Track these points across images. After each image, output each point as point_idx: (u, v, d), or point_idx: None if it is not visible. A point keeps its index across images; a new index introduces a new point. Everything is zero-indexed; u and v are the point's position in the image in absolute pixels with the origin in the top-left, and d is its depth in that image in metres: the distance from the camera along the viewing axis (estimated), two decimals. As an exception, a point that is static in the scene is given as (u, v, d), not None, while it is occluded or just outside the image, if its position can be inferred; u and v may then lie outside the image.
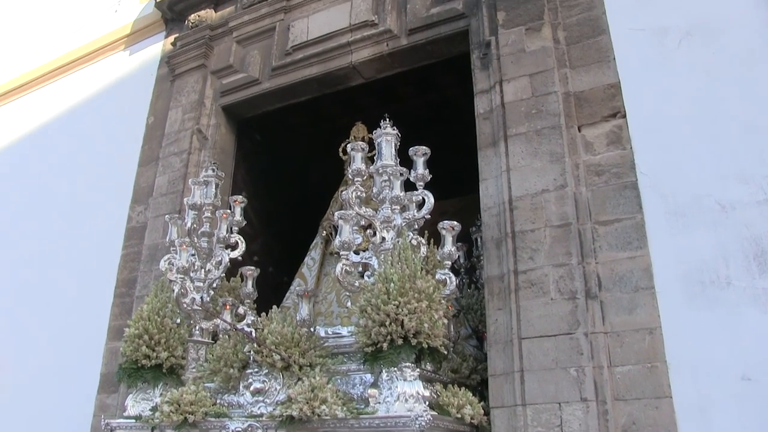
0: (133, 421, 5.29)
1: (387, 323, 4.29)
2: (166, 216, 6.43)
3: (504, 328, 4.87)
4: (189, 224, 5.93)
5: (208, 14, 8.37)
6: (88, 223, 8.17)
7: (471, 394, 4.72)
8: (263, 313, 5.35)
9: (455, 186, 8.12)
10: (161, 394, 5.29)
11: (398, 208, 5.15)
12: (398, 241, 4.85)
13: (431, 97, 8.23)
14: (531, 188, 5.09)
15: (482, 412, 4.65)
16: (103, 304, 7.29)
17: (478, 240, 6.82)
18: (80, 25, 10.17)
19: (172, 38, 8.61)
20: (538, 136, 5.22)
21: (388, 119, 5.39)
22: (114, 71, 9.40)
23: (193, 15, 8.44)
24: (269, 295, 6.71)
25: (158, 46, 8.97)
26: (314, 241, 7.16)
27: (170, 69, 8.37)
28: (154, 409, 5.14)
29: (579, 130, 5.20)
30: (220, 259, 5.99)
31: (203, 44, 8.12)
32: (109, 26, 9.78)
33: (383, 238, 5.05)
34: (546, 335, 4.60)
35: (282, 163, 8.65)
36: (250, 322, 5.67)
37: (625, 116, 5.09)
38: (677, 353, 4.26)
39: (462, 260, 6.93)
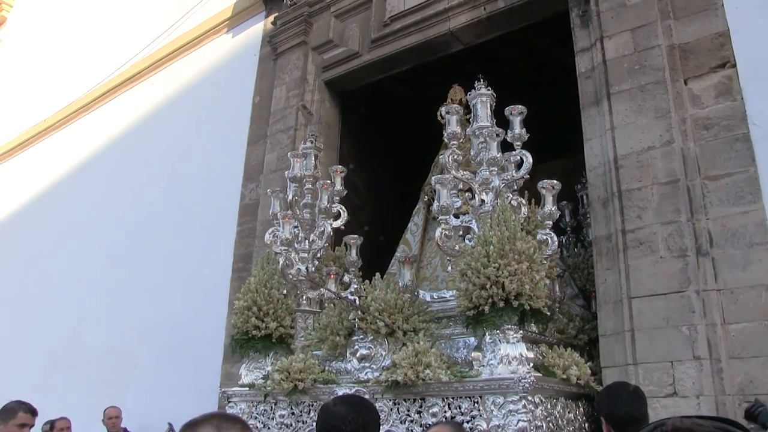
0: (247, 389, 5.45)
1: (488, 286, 4.22)
2: (268, 190, 6.55)
3: (613, 287, 4.82)
4: (291, 197, 6.03)
5: (305, -9, 8.48)
6: (204, 202, 8.57)
7: (578, 355, 4.64)
8: (366, 281, 5.39)
9: (563, 146, 8.00)
10: (272, 363, 5.41)
11: (496, 169, 5.05)
12: (497, 203, 4.79)
13: (533, 59, 8.09)
14: (636, 146, 4.98)
15: (589, 372, 4.56)
16: (223, 279, 7.64)
17: (584, 198, 6.72)
18: (184, 12, 10.49)
19: (272, 18, 8.77)
20: (642, 93, 5.08)
21: (482, 80, 5.29)
22: (218, 54, 9.70)
23: (291, -7, 8.56)
24: (382, 264, 6.78)
25: (259, 27, 9.17)
26: (417, 207, 7.14)
27: (272, 48, 8.54)
28: (265, 377, 5.29)
29: (685, 84, 5.03)
30: (322, 229, 6.08)
31: (302, 21, 8.24)
32: (211, 11, 10.06)
33: (482, 201, 4.98)
34: (656, 294, 4.53)
35: (387, 133, 8.71)
36: (354, 290, 5.71)
37: (735, 66, 4.87)
38: (796, 309, 4.12)
39: (568, 219, 6.85)
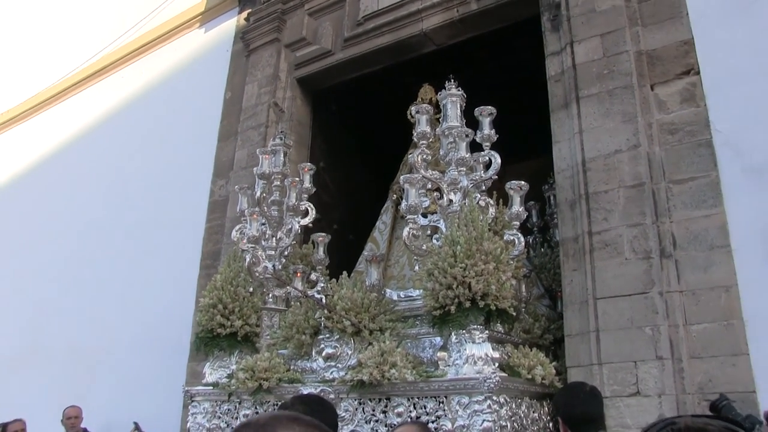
0: (211, 388, 5.39)
1: (454, 286, 4.23)
2: (236, 187, 6.53)
3: (579, 288, 4.91)
4: (258, 194, 6.03)
5: (279, -12, 8.48)
6: (173, 198, 8.53)
7: (543, 355, 4.67)
8: (333, 280, 5.35)
9: (532, 148, 8.09)
10: (237, 362, 5.37)
11: (464, 169, 5.07)
12: (465, 203, 4.78)
13: (506, 61, 8.17)
14: (604, 149, 5.07)
15: (554, 372, 4.61)
16: (191, 276, 7.61)
17: (551, 199, 6.82)
18: (156, 5, 10.41)
19: (245, 14, 8.77)
20: (610, 97, 5.18)
21: (452, 80, 5.32)
22: (190, 49, 9.66)
23: (265, -11, 8.57)
24: (351, 263, 6.83)
25: (232, 23, 9.16)
26: (385, 205, 7.16)
27: (245, 44, 8.54)
28: (230, 376, 5.24)
29: (652, 89, 5.14)
30: (290, 227, 6.06)
31: (276, 18, 8.26)
32: (184, 5, 10.00)
33: (450, 201, 5.00)
34: (621, 295, 4.62)
35: (359, 132, 8.76)
36: (320, 288, 5.66)
37: (698, 73, 5.00)
38: (754, 310, 4.24)
39: (535, 219, 6.93)
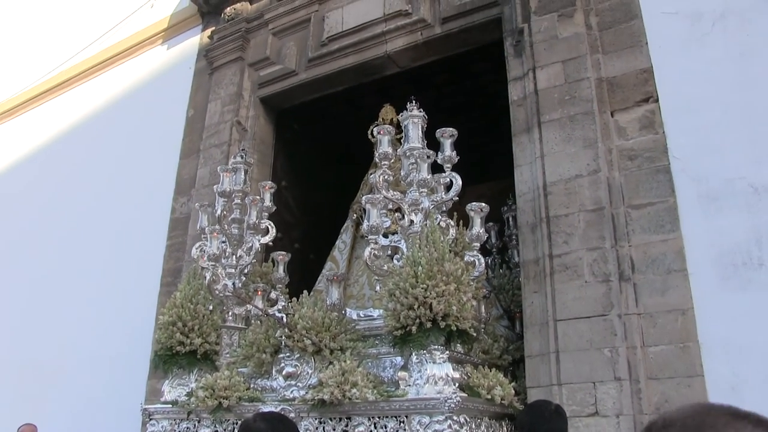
0: (170, 406, 5.33)
1: (415, 306, 4.24)
2: (197, 204, 6.50)
3: (540, 310, 4.98)
4: (219, 211, 6.00)
5: (243, 7, 8.52)
6: (132, 215, 8.44)
7: (502, 375, 4.70)
8: (294, 298, 5.33)
9: (493, 170, 8.19)
10: (196, 380, 5.33)
11: (426, 190, 5.12)
12: (426, 224, 4.80)
13: (467, 84, 8.29)
14: (565, 174, 5.16)
15: (513, 392, 4.63)
16: (151, 293, 7.53)
17: (510, 220, 6.91)
18: (118, 20, 10.35)
19: (208, 32, 8.78)
20: (571, 122, 5.29)
21: (414, 101, 5.35)
22: (153, 66, 9.62)
23: (228, 8, 8.59)
24: (312, 282, 6.83)
25: (195, 40, 9.15)
26: (345, 224, 7.15)
27: (208, 62, 8.55)
28: (189, 394, 5.19)
29: (612, 116, 5.26)
30: (250, 245, 6.04)
31: (240, 37, 8.28)
32: (147, 21, 9.98)
33: (411, 221, 5.02)
34: (581, 317, 4.70)
35: (321, 151, 8.78)
36: (281, 307, 5.67)
37: (657, 101, 5.13)
38: (709, 333, 4.35)
39: (494, 240, 6.98)
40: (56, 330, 8.66)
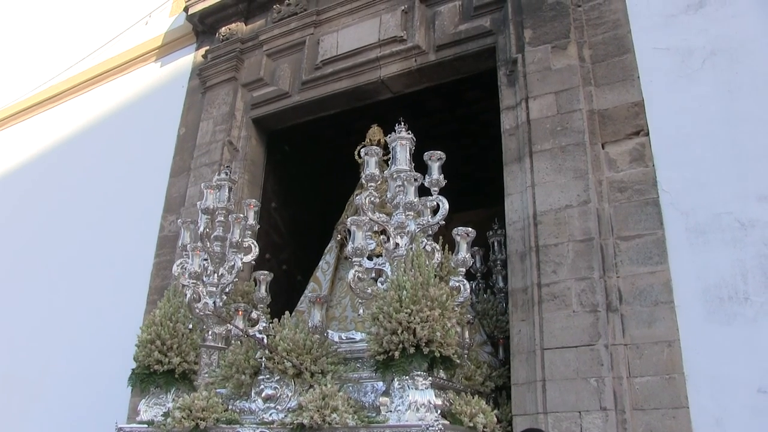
0: (146, 426, 5.24)
1: (399, 331, 4.24)
2: (179, 220, 6.45)
3: (527, 338, 4.99)
4: (201, 228, 5.94)
5: (238, 27, 8.56)
6: (121, 232, 8.41)
7: (484, 402, 4.69)
8: (275, 319, 5.31)
9: (481, 198, 8.24)
10: (173, 400, 5.24)
11: (412, 213, 5.08)
12: (412, 248, 4.79)
13: (459, 112, 8.36)
14: (555, 203, 5.21)
15: (495, 420, 4.63)
16: (137, 310, 7.47)
17: (494, 244, 6.95)
18: (112, 36, 10.37)
19: (203, 51, 8.82)
20: (562, 153, 5.35)
21: (403, 123, 5.38)
22: (145, 83, 9.63)
23: (223, 28, 8.64)
24: (296, 303, 6.82)
25: (189, 59, 9.17)
26: (329, 245, 7.11)
27: (201, 81, 8.57)
28: (166, 414, 5.09)
29: (603, 147, 5.33)
30: (233, 263, 5.98)
31: (234, 57, 8.32)
32: (141, 38, 10.01)
33: (397, 244, 4.99)
34: (568, 346, 4.73)
35: (311, 174, 8.81)
36: (262, 327, 5.65)
37: (648, 134, 5.21)
38: (695, 365, 4.39)
39: (478, 265, 7.00)
40: (40, 345, 8.58)
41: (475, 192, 9.02)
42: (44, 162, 10.42)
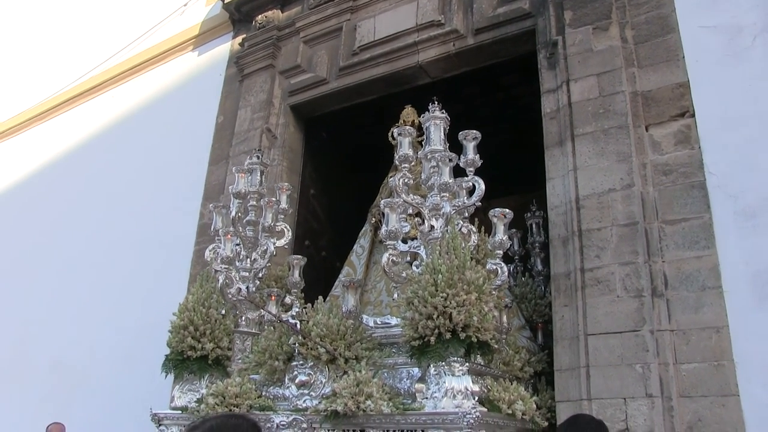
0: (179, 412, 5.24)
1: (434, 316, 4.11)
2: (211, 205, 6.40)
3: (570, 324, 4.93)
4: (234, 213, 5.84)
5: (275, 15, 8.53)
6: (163, 220, 8.47)
7: (523, 389, 4.57)
8: (309, 304, 5.20)
9: (520, 183, 8.14)
10: (207, 386, 5.20)
11: (447, 195, 4.91)
12: (447, 230, 4.64)
13: (496, 96, 8.25)
14: (598, 187, 5.12)
15: (534, 407, 4.50)
16: (179, 297, 7.43)
17: (533, 226, 6.85)
18: (148, 28, 10.43)
19: (239, 39, 8.82)
20: (605, 136, 5.25)
21: (437, 102, 5.23)
22: (183, 72, 9.68)
23: (260, 15, 8.62)
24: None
25: (226, 47, 9.18)
26: (363, 228, 7.01)
27: (239, 69, 8.58)
28: (199, 400, 5.06)
29: (646, 130, 5.21)
30: (265, 248, 5.89)
31: (271, 45, 8.31)
32: (177, 28, 10.05)
33: (432, 227, 4.84)
34: (612, 332, 4.65)
35: (350, 160, 8.78)
36: (295, 313, 5.54)
37: (693, 115, 5.07)
38: (745, 353, 4.27)
39: (516, 247, 6.91)
40: (85, 332, 8.72)
41: (516, 177, 8.92)
42: (87, 153, 10.54)
